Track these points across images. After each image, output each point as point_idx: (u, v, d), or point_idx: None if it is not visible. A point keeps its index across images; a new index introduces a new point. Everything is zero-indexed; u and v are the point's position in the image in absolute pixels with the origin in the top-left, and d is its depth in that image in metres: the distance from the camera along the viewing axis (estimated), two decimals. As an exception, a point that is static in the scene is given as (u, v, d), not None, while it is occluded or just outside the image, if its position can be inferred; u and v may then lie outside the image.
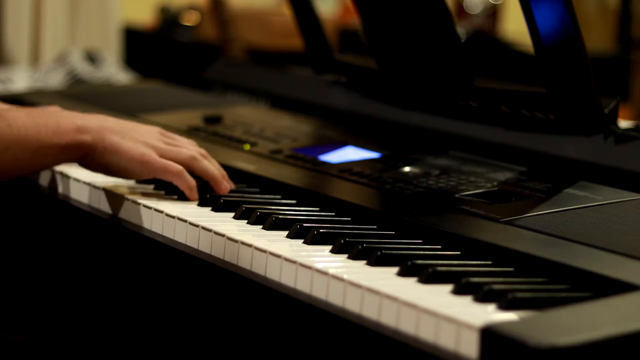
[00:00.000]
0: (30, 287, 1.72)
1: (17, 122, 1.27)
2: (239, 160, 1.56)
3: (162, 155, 1.39)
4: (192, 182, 1.40)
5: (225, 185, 1.42)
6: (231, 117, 1.84)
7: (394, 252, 1.17)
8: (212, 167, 1.43)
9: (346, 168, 1.51)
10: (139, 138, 1.38)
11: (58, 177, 1.52)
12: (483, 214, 1.28)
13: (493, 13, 4.85)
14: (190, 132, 1.74)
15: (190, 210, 1.36)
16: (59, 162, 1.34)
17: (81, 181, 1.48)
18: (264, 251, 1.19)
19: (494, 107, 1.61)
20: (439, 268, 1.11)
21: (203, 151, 1.45)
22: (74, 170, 1.49)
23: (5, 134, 1.26)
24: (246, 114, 1.88)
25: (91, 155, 1.34)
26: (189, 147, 1.44)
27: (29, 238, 1.67)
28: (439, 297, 1.04)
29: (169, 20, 4.77)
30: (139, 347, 1.50)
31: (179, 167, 1.39)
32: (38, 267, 1.67)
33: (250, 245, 1.21)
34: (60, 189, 1.52)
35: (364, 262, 1.16)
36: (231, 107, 1.96)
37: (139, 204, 1.38)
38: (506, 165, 1.51)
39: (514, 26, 4.74)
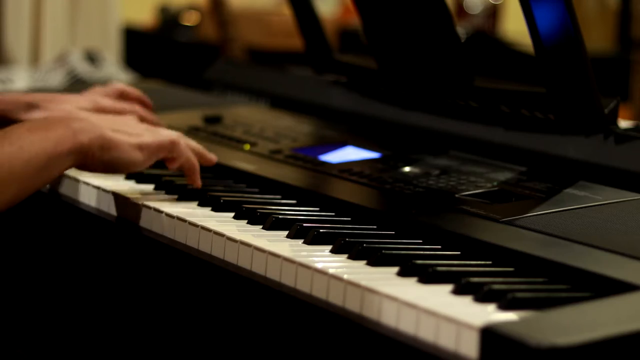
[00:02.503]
0: (31, 287, 1.72)
1: (25, 142, 1.27)
2: (239, 160, 1.56)
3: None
4: (193, 144, 1.42)
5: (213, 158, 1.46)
6: (231, 117, 1.84)
7: (394, 252, 1.17)
8: (192, 156, 1.44)
9: (346, 168, 1.51)
10: (127, 129, 1.38)
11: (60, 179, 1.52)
12: (483, 214, 1.28)
13: (493, 13, 4.85)
14: (190, 132, 1.74)
15: (190, 210, 1.36)
16: (62, 170, 1.32)
17: (81, 181, 1.48)
18: (264, 251, 1.19)
19: (494, 107, 1.61)
20: (439, 268, 1.11)
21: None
22: (73, 171, 1.49)
23: (18, 158, 1.26)
24: (246, 114, 1.88)
25: (91, 155, 1.33)
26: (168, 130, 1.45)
27: (28, 239, 1.67)
28: (439, 297, 1.04)
29: (169, 20, 4.77)
30: (139, 346, 1.50)
31: (174, 137, 1.40)
32: (38, 268, 1.67)
33: (250, 245, 1.21)
34: (61, 190, 1.52)
35: (364, 262, 1.16)
36: (231, 107, 1.96)
37: (139, 204, 1.38)
38: (506, 165, 1.51)
39: (514, 26, 4.74)
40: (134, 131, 1.39)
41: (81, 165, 1.34)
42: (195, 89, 2.16)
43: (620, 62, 4.57)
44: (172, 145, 1.40)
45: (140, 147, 1.37)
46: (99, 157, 1.34)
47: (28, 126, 1.30)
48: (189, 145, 1.44)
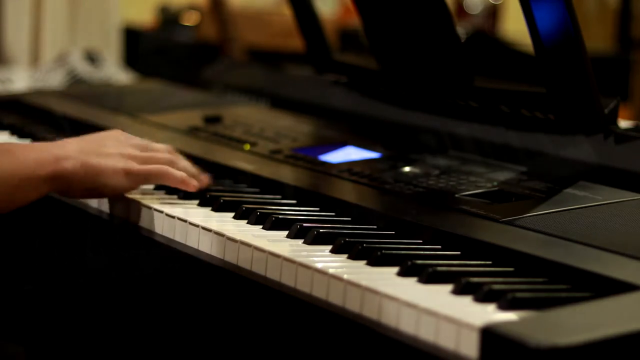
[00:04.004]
0: (29, 287, 1.72)
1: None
2: (239, 160, 1.56)
3: (142, 163, 1.38)
4: (180, 174, 1.39)
5: (198, 183, 1.41)
6: (231, 117, 1.83)
7: (394, 252, 1.17)
8: (188, 168, 1.42)
9: (346, 168, 1.51)
10: (115, 152, 1.36)
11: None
12: (483, 214, 1.28)
13: (493, 13, 4.85)
14: (190, 132, 1.74)
15: (190, 210, 1.36)
16: (42, 194, 1.30)
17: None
18: (264, 251, 1.19)
19: (494, 107, 1.61)
20: (439, 268, 1.11)
21: (172, 149, 1.44)
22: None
23: None
24: (246, 114, 1.88)
25: (75, 182, 1.31)
26: (162, 150, 1.42)
27: (28, 239, 1.67)
28: (439, 297, 1.04)
29: (169, 20, 4.77)
30: (139, 347, 1.50)
31: (162, 167, 1.38)
32: (37, 268, 1.67)
33: (250, 245, 1.21)
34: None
35: (364, 262, 1.16)
36: (231, 107, 1.96)
37: (139, 204, 1.38)
38: (506, 165, 1.51)
39: (514, 26, 4.74)
40: (120, 153, 1.36)
41: (62, 191, 1.33)
42: (195, 89, 2.16)
43: (620, 62, 4.56)
44: (162, 175, 1.37)
45: (127, 173, 1.35)
46: (82, 184, 1.32)
47: (6, 147, 1.28)
48: (184, 169, 1.41)
